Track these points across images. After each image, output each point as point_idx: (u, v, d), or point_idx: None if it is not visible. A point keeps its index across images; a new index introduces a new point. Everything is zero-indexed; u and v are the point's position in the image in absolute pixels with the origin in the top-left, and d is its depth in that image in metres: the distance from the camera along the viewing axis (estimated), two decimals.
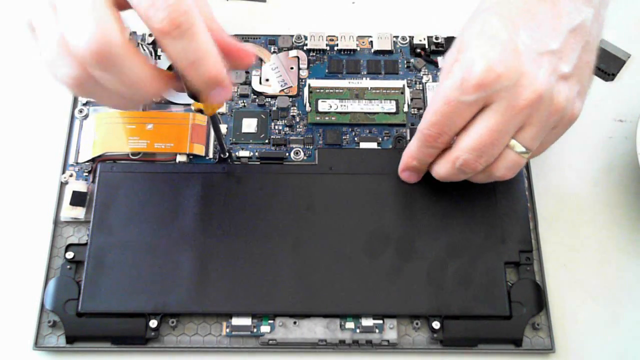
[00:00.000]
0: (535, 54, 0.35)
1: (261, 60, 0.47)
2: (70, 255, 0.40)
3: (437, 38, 0.48)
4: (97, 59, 0.30)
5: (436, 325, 0.39)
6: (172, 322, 0.39)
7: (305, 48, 0.48)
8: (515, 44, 0.35)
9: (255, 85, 0.46)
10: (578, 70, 0.36)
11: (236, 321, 0.39)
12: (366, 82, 0.46)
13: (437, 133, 0.37)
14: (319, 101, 0.45)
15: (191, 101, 0.35)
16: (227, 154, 0.43)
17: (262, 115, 0.45)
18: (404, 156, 0.40)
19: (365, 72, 0.47)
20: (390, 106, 0.45)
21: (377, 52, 0.48)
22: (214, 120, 0.39)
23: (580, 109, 0.37)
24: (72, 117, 0.45)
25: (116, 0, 0.31)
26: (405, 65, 0.47)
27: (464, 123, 0.36)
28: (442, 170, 0.39)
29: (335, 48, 0.48)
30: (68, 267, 0.40)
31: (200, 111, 0.36)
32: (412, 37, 0.48)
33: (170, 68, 0.46)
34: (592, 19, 0.36)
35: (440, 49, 0.48)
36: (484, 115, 0.35)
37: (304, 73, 0.47)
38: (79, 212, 0.42)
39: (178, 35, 0.30)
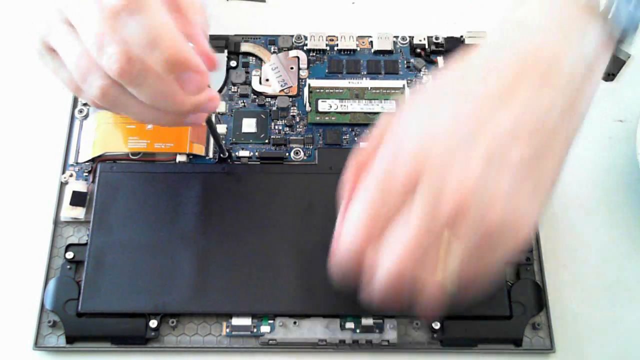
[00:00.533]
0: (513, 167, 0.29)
1: (261, 60, 0.47)
2: (70, 255, 0.40)
3: (437, 38, 0.48)
4: (128, 73, 0.30)
5: (436, 325, 0.39)
6: (172, 322, 0.39)
7: (305, 48, 0.48)
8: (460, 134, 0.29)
9: (255, 85, 0.46)
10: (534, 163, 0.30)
11: (236, 321, 0.39)
12: (366, 82, 0.46)
13: (367, 235, 0.30)
14: (319, 101, 0.45)
15: None
16: (227, 153, 0.43)
17: (262, 115, 0.45)
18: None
19: (365, 72, 0.47)
20: (390, 106, 0.45)
21: (377, 52, 0.48)
22: (209, 123, 0.39)
23: (534, 211, 0.30)
24: (72, 117, 0.45)
25: None
26: (405, 65, 0.47)
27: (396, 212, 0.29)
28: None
29: (335, 48, 0.48)
30: (68, 267, 0.40)
31: None
32: (412, 37, 0.48)
33: None
34: (561, 112, 0.32)
35: (440, 49, 0.48)
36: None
37: (304, 73, 0.47)
38: (79, 212, 0.42)
39: (129, 13, 0.28)
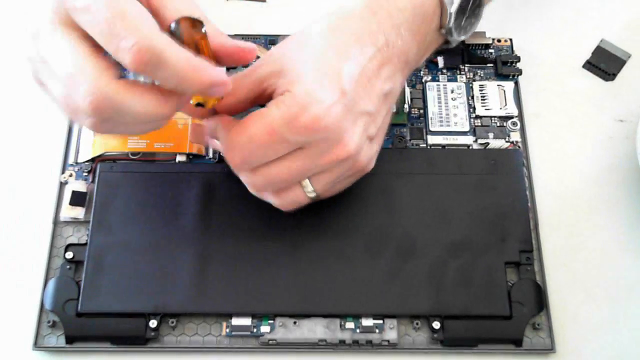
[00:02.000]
0: (357, 114, 0.35)
1: None
2: (69, 255, 0.40)
3: None
4: (99, 113, 0.31)
5: (436, 325, 0.39)
6: (172, 322, 0.39)
7: None
8: (346, 98, 0.34)
9: None
10: (381, 132, 0.38)
11: (236, 321, 0.39)
12: None
13: (244, 160, 0.35)
14: None
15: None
16: None
17: None
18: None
19: None
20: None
21: None
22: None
23: (372, 165, 0.38)
24: None
25: (92, 42, 0.31)
26: None
27: (275, 157, 0.35)
28: (242, 175, 0.37)
29: None
30: (68, 267, 0.40)
31: (200, 104, 0.35)
32: None
33: None
34: (400, 86, 0.38)
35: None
36: (293, 155, 0.35)
37: None
38: (79, 212, 0.42)
39: (151, 71, 0.30)
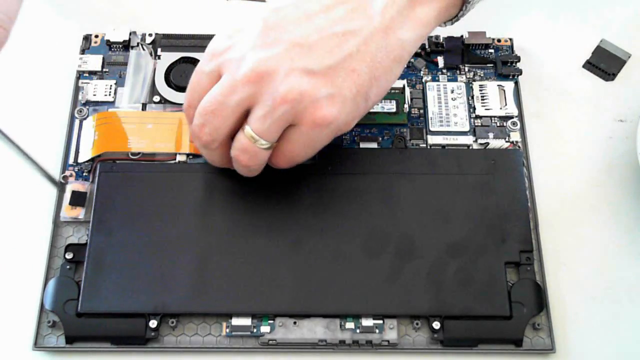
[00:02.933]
0: (274, 39, 0.35)
1: None
2: (69, 255, 0.40)
3: (437, 38, 0.48)
4: None
5: (436, 325, 0.39)
6: (172, 322, 0.39)
7: None
8: (260, 27, 0.35)
9: None
10: (333, 72, 0.34)
11: (236, 321, 0.39)
12: None
13: (188, 103, 0.37)
14: None
15: None
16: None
17: None
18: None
19: None
20: (390, 106, 0.45)
21: None
22: None
23: (332, 114, 0.35)
24: (72, 117, 0.45)
25: None
26: (406, 65, 0.47)
27: (206, 90, 0.36)
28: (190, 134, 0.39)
29: None
30: (68, 267, 0.40)
31: None
32: None
33: (169, 71, 0.46)
34: (374, 32, 0.35)
35: (441, 48, 0.48)
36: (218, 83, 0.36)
37: None
38: (79, 212, 0.42)
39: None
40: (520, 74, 0.47)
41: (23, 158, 0.38)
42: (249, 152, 0.36)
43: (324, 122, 0.35)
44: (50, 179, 0.39)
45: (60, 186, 0.40)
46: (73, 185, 0.42)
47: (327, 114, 0.35)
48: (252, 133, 0.35)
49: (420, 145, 0.44)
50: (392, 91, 0.46)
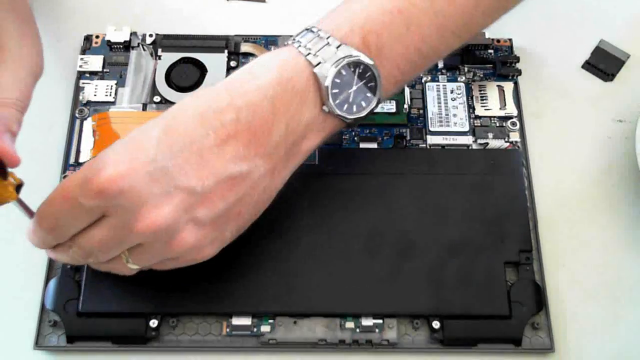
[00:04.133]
0: (172, 187, 0.31)
1: None
2: None
3: None
4: None
5: (436, 325, 0.39)
6: (172, 322, 0.39)
7: None
8: (156, 167, 0.31)
9: None
10: (222, 219, 0.34)
11: (236, 321, 0.39)
12: None
13: (48, 226, 0.33)
14: None
15: None
16: None
17: None
18: (32, 224, 0.34)
19: None
20: (390, 106, 0.45)
21: None
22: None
23: (210, 254, 0.35)
24: (73, 117, 0.45)
25: None
26: None
27: (81, 224, 0.33)
28: (58, 255, 0.35)
29: None
30: (68, 266, 0.40)
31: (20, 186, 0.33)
32: None
33: (170, 71, 0.46)
34: (264, 174, 0.34)
35: None
36: (99, 224, 0.32)
37: None
38: None
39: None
40: (520, 74, 0.47)
41: None
42: (121, 271, 0.36)
43: (202, 259, 0.35)
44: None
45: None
46: None
47: (205, 254, 0.35)
48: (131, 262, 0.34)
49: (420, 145, 0.45)
50: None
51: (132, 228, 0.32)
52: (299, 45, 0.35)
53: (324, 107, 0.35)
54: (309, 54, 0.34)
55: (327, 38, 0.35)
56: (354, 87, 0.35)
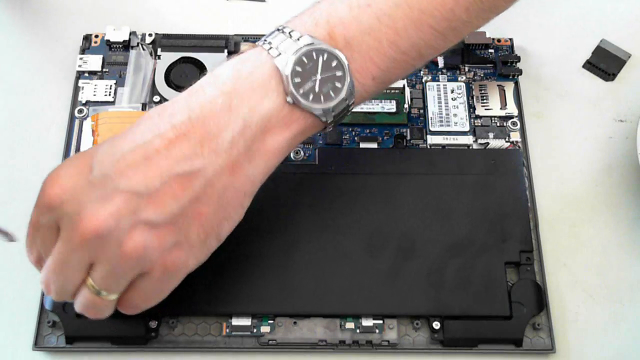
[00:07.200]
0: (112, 190, 0.31)
1: None
2: None
3: None
4: None
5: (436, 325, 0.39)
6: (172, 322, 0.39)
7: None
8: (96, 175, 0.31)
9: None
10: (179, 219, 0.32)
11: (236, 321, 0.39)
12: None
13: (35, 258, 0.34)
14: None
15: None
16: None
17: None
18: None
19: None
20: (390, 106, 0.45)
21: None
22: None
23: (180, 260, 0.33)
24: (72, 117, 0.45)
25: None
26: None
27: (47, 243, 0.33)
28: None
29: None
30: None
31: None
32: None
33: (169, 71, 0.46)
34: (220, 170, 0.32)
35: None
36: (58, 241, 0.32)
37: None
38: None
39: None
40: (520, 74, 0.47)
41: None
42: (96, 306, 0.33)
43: (174, 269, 0.33)
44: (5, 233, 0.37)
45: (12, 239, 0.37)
46: None
47: (176, 261, 0.33)
48: (97, 288, 0.32)
49: (420, 145, 0.44)
50: (392, 91, 0.46)
51: (77, 234, 0.31)
52: (264, 43, 0.35)
53: (288, 98, 0.33)
54: (270, 48, 0.34)
55: (290, 32, 0.34)
56: (319, 76, 0.34)
